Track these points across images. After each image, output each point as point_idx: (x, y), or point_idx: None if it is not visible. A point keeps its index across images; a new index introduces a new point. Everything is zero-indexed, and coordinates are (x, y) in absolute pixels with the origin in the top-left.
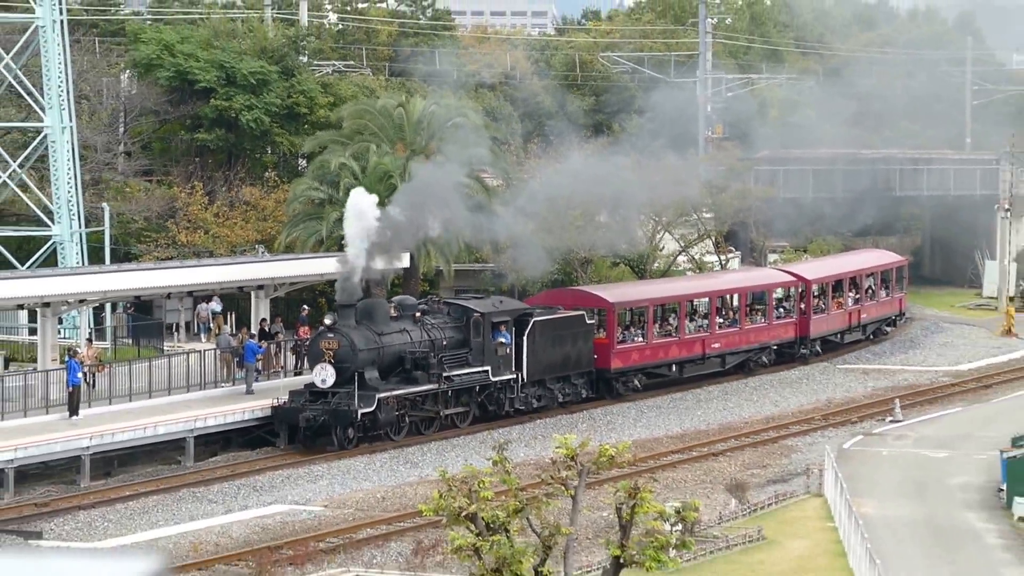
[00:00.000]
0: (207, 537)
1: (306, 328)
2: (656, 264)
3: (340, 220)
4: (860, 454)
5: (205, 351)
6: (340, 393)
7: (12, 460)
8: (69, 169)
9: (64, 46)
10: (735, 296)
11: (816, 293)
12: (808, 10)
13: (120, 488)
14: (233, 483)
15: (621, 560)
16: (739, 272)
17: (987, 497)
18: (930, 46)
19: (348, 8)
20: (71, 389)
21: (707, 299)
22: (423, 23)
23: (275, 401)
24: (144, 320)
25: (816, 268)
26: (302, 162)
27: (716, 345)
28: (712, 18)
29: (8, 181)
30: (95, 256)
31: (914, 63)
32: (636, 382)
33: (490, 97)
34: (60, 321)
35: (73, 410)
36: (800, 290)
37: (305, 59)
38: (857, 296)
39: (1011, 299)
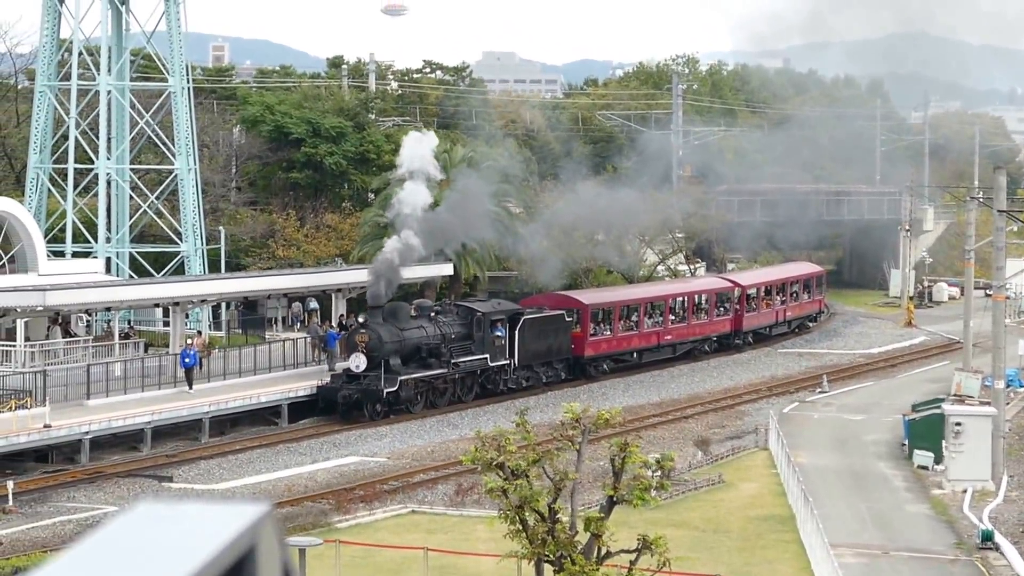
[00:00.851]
0: (298, 481)
1: None
2: (640, 272)
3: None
4: (796, 417)
5: (297, 339)
6: (370, 376)
7: (150, 421)
8: (194, 201)
9: (190, 107)
10: (684, 299)
11: (749, 296)
12: (756, 79)
13: (232, 443)
14: (318, 440)
15: (614, 499)
16: (688, 280)
17: (893, 450)
18: (849, 105)
19: (406, 77)
20: (186, 370)
21: (662, 301)
22: (463, 88)
23: (320, 381)
24: (250, 315)
25: (749, 276)
26: (371, 195)
27: (669, 337)
28: (682, 85)
29: (148, 210)
30: (213, 267)
31: (836, 118)
32: (605, 366)
33: (513, 145)
34: (187, 316)
35: (189, 384)
36: (736, 294)
37: (373, 116)
38: (784, 298)
39: (911, 298)
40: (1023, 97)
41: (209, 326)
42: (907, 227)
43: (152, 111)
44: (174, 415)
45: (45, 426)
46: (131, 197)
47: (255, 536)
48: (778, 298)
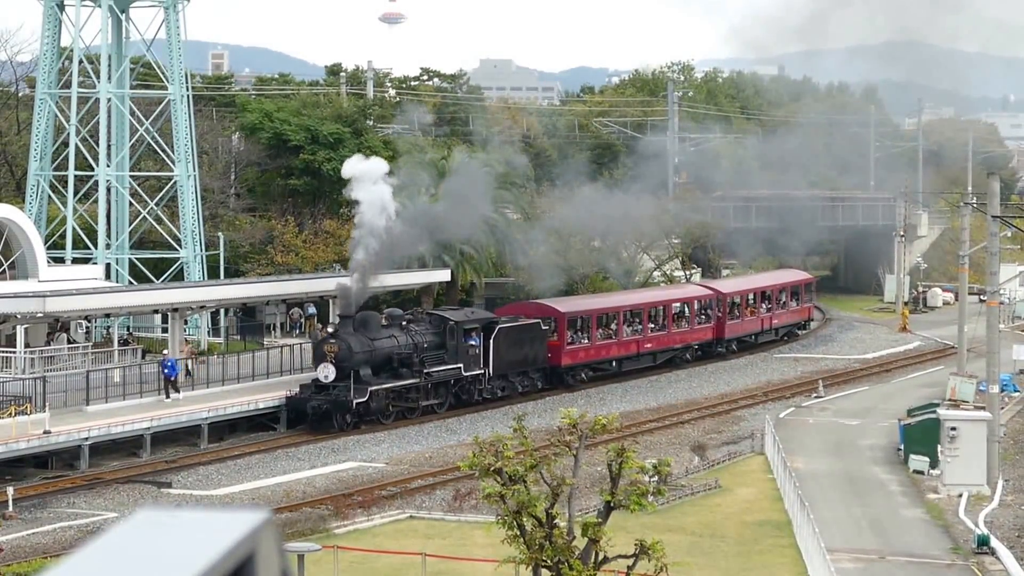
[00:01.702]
0: (296, 487)
1: None
2: (637, 278)
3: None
4: (792, 422)
5: (294, 344)
6: (339, 386)
7: (149, 427)
8: (193, 207)
9: (189, 114)
10: (663, 307)
11: (732, 303)
12: (750, 86)
13: (230, 449)
14: (316, 445)
15: (611, 504)
16: (667, 288)
17: (889, 455)
18: (843, 113)
19: (403, 84)
20: (166, 379)
21: (641, 309)
22: (460, 96)
23: (288, 392)
24: (249, 321)
25: (732, 284)
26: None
27: (649, 345)
28: (678, 92)
29: (147, 217)
30: (212, 273)
31: (831, 125)
32: (583, 375)
33: (511, 152)
34: (186, 322)
35: (167, 393)
36: (717, 301)
37: (371, 123)
38: (770, 306)
39: (905, 303)
40: (1016, 104)
41: (208, 332)
42: (902, 233)
43: (152, 118)
44: (173, 421)
45: (45, 432)
46: (131, 204)
47: (254, 543)
48: (764, 305)
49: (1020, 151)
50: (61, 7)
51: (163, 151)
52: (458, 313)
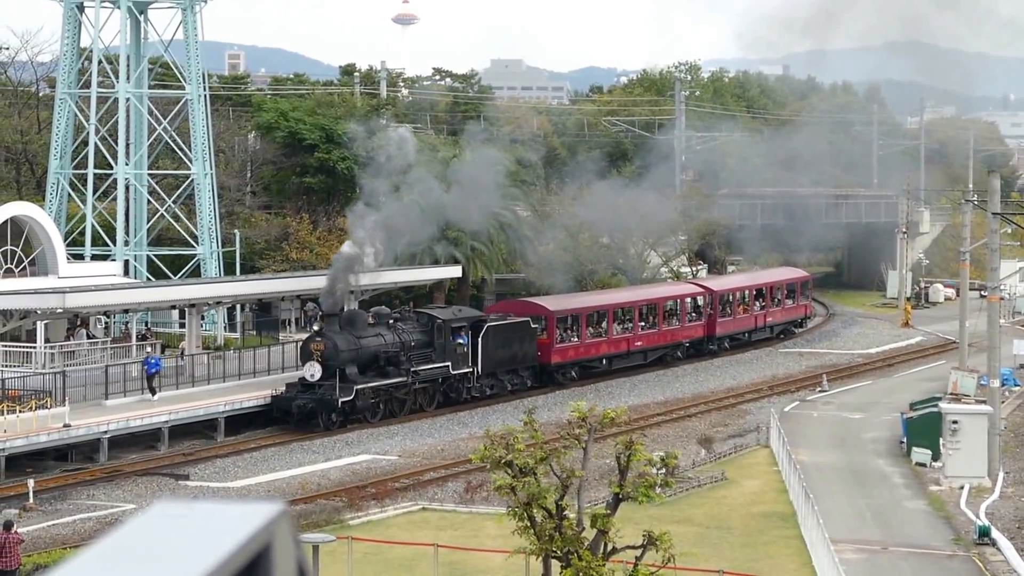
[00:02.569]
0: (311, 479)
1: None
2: (644, 274)
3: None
4: (797, 415)
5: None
6: (325, 385)
7: (167, 421)
8: (209, 205)
9: (206, 114)
10: (654, 305)
11: (724, 301)
12: (756, 85)
13: (247, 442)
14: (330, 438)
15: (620, 496)
16: (657, 286)
17: (891, 447)
18: (846, 111)
19: (416, 85)
20: (148, 376)
21: (631, 307)
22: (471, 95)
23: (274, 391)
24: (264, 316)
25: (723, 282)
26: (383, 199)
27: (639, 343)
28: (685, 91)
29: (165, 214)
30: (228, 269)
31: (834, 124)
32: (573, 373)
33: (521, 150)
34: (202, 317)
35: (152, 391)
36: (708, 299)
37: (384, 122)
38: (764, 303)
39: (908, 299)
40: (1016, 103)
41: (224, 327)
42: (904, 229)
43: (169, 118)
44: (190, 415)
45: (65, 425)
46: (149, 201)
47: (270, 534)
48: (757, 303)
49: (1020, 149)
50: (81, 9)
51: (180, 150)
52: (446, 312)
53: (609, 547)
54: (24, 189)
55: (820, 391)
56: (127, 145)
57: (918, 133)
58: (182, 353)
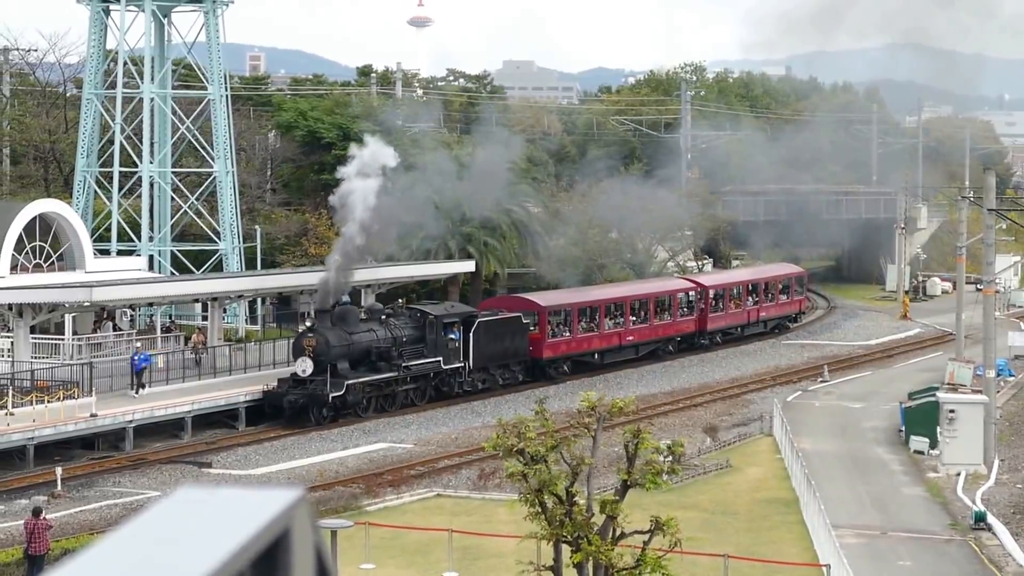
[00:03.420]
0: (329, 467)
1: None
2: (651, 269)
3: (424, 239)
4: (799, 405)
5: None
6: (316, 380)
7: (190, 410)
8: (231, 201)
9: (228, 113)
10: (645, 300)
11: (715, 296)
12: (759, 86)
13: (267, 431)
14: (348, 428)
15: (628, 482)
16: (648, 281)
17: (890, 436)
18: (846, 111)
19: (431, 85)
20: (136, 372)
21: (622, 302)
22: (484, 95)
23: (265, 386)
24: (284, 310)
25: (715, 277)
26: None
27: (630, 338)
28: (690, 92)
29: (188, 211)
30: (250, 264)
31: (835, 123)
32: (564, 367)
33: (532, 148)
34: (224, 310)
35: (137, 387)
36: (699, 294)
37: (400, 122)
38: (757, 299)
39: (906, 292)
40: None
41: (246, 320)
42: (902, 225)
43: (192, 117)
44: (213, 404)
45: (92, 415)
46: (172, 198)
47: (289, 519)
48: (750, 299)
49: (1015, 148)
50: (107, 12)
51: (203, 148)
52: (438, 307)
53: (618, 532)
54: (52, 187)
55: (821, 381)
56: (151, 144)
57: (916, 132)
58: (194, 347)
